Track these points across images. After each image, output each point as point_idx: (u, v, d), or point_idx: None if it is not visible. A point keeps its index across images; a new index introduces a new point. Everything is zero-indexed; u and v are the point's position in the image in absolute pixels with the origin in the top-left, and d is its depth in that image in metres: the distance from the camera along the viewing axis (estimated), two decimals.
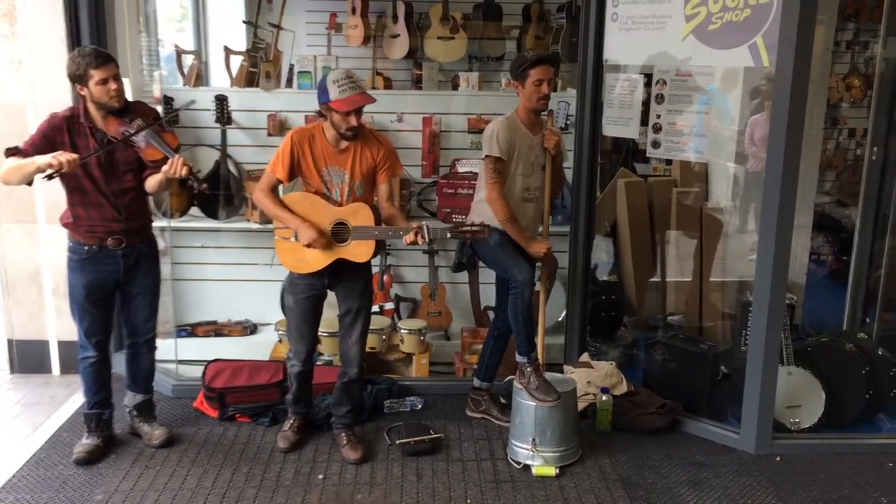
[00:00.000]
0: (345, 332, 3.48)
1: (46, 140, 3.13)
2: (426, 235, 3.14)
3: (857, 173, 5.57)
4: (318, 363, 4.23)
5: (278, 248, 3.38)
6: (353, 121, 3.17)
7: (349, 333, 3.46)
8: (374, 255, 3.33)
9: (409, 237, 3.14)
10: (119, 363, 3.66)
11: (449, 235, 3.24)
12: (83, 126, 3.18)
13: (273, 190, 3.31)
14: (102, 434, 3.53)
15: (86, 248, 3.26)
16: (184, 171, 3.12)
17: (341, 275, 3.38)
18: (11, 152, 3.10)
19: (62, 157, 2.95)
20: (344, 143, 3.27)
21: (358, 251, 3.27)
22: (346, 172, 3.28)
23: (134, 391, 3.62)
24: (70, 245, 3.30)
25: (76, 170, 3.10)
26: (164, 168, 3.13)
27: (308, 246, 3.23)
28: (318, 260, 3.29)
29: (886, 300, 4.57)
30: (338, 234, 3.28)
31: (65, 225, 3.30)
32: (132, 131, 3.15)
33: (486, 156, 3.50)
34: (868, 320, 4.66)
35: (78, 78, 3.11)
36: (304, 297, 3.40)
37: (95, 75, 3.08)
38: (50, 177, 2.98)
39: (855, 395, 3.79)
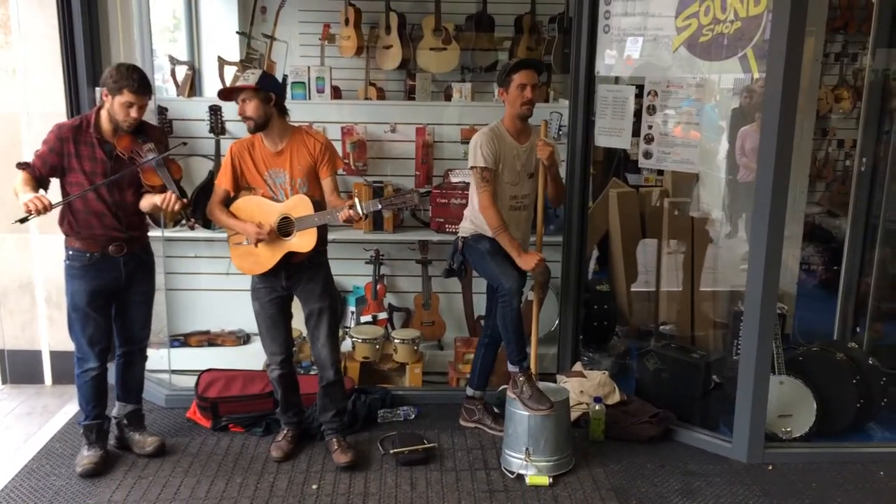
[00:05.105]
0: (311, 335, 3.54)
1: (53, 152, 3.17)
2: (359, 210, 3.23)
3: (846, 184, 5.62)
4: (312, 373, 4.23)
5: (233, 255, 3.50)
6: (239, 110, 3.33)
7: (316, 336, 3.52)
8: (321, 244, 3.43)
9: (344, 214, 3.24)
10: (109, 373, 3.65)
11: (380, 206, 3.33)
12: (90, 136, 3.21)
13: (223, 202, 3.43)
14: (104, 444, 3.52)
15: (88, 255, 3.27)
16: (176, 207, 3.20)
17: (298, 276, 3.46)
18: (22, 167, 3.15)
19: (36, 203, 2.99)
20: (280, 145, 3.38)
21: (303, 241, 3.34)
22: (285, 173, 3.39)
23: (125, 401, 3.60)
24: (70, 253, 3.29)
25: (81, 179, 3.16)
26: (157, 200, 3.20)
27: (258, 242, 3.33)
28: (268, 257, 3.39)
29: (876, 310, 4.60)
30: (283, 228, 3.36)
31: (65, 232, 3.29)
32: (142, 154, 3.21)
33: (472, 167, 3.53)
34: (858, 330, 4.69)
35: (109, 87, 3.16)
36: (268, 300, 3.48)
37: (126, 96, 3.14)
38: (23, 220, 3.03)
39: (846, 405, 3.81)
